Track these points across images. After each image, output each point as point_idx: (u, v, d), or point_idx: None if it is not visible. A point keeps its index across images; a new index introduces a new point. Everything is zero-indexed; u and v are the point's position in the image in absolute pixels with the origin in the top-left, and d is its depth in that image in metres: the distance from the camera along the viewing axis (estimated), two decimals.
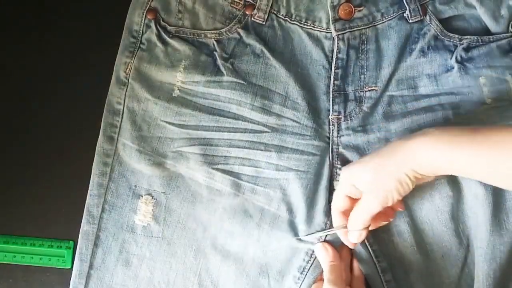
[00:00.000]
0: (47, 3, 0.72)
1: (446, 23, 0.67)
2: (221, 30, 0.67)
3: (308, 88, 0.67)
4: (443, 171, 0.54)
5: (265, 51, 0.67)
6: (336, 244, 0.64)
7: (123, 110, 0.66)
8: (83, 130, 0.68)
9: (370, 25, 0.67)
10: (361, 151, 0.65)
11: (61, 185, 0.69)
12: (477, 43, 0.66)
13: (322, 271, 0.63)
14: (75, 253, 0.65)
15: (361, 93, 0.67)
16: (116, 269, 0.65)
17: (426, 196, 0.64)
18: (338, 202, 0.62)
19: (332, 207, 0.63)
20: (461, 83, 0.66)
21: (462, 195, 0.63)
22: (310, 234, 0.64)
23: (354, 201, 0.60)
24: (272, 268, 0.65)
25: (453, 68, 0.66)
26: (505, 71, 0.65)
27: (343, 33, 0.66)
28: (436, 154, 0.53)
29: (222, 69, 0.66)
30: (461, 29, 0.68)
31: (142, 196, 0.65)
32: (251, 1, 0.67)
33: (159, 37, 0.66)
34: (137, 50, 0.67)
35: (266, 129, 0.65)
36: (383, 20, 0.67)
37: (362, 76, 0.67)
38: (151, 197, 0.65)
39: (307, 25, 0.67)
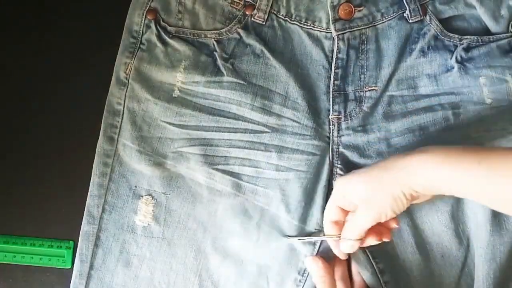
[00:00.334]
0: (47, 3, 0.72)
1: (446, 23, 0.67)
2: (221, 30, 0.67)
3: (308, 88, 0.67)
4: (441, 190, 0.52)
5: (265, 51, 0.67)
6: (331, 253, 0.64)
7: (123, 110, 0.66)
8: (83, 130, 0.68)
9: (370, 25, 0.67)
10: (361, 151, 0.65)
11: (61, 185, 0.69)
12: (477, 43, 0.66)
13: None
14: (75, 253, 0.65)
15: (361, 93, 0.67)
16: (117, 270, 0.65)
17: None
18: (329, 212, 0.61)
19: (324, 216, 0.63)
20: (461, 83, 0.66)
21: None
22: (302, 238, 0.64)
23: (346, 212, 0.60)
24: (271, 270, 0.65)
25: (453, 68, 0.66)
26: (505, 71, 0.65)
27: (343, 33, 0.66)
28: (435, 173, 0.51)
29: (222, 69, 0.66)
30: (461, 29, 0.67)
31: (142, 196, 0.65)
32: (251, 1, 0.67)
33: (159, 37, 0.66)
34: (137, 51, 0.66)
35: (266, 129, 0.65)
36: (383, 20, 0.67)
37: (362, 76, 0.67)
38: (151, 198, 0.65)
39: (307, 25, 0.67)
